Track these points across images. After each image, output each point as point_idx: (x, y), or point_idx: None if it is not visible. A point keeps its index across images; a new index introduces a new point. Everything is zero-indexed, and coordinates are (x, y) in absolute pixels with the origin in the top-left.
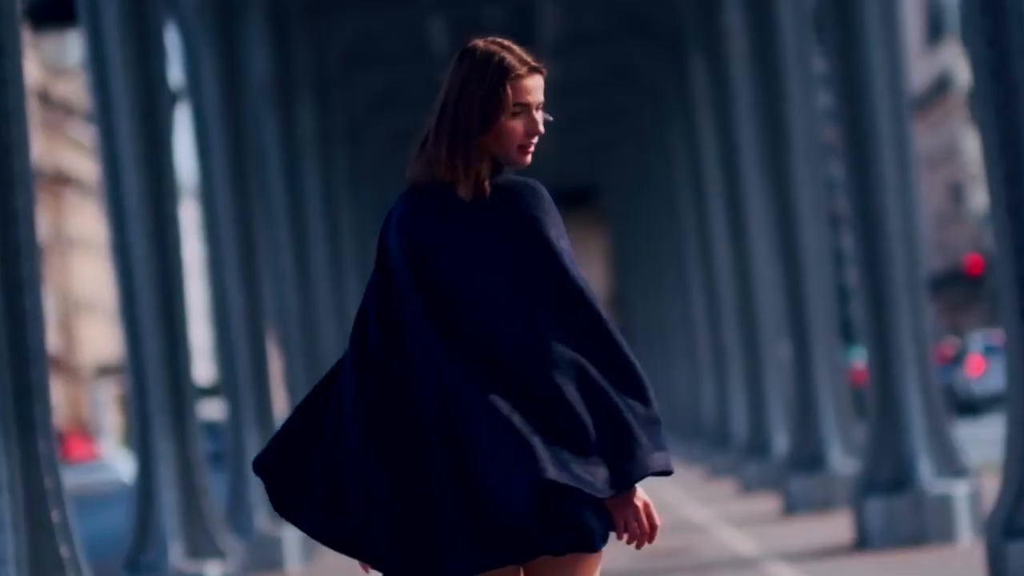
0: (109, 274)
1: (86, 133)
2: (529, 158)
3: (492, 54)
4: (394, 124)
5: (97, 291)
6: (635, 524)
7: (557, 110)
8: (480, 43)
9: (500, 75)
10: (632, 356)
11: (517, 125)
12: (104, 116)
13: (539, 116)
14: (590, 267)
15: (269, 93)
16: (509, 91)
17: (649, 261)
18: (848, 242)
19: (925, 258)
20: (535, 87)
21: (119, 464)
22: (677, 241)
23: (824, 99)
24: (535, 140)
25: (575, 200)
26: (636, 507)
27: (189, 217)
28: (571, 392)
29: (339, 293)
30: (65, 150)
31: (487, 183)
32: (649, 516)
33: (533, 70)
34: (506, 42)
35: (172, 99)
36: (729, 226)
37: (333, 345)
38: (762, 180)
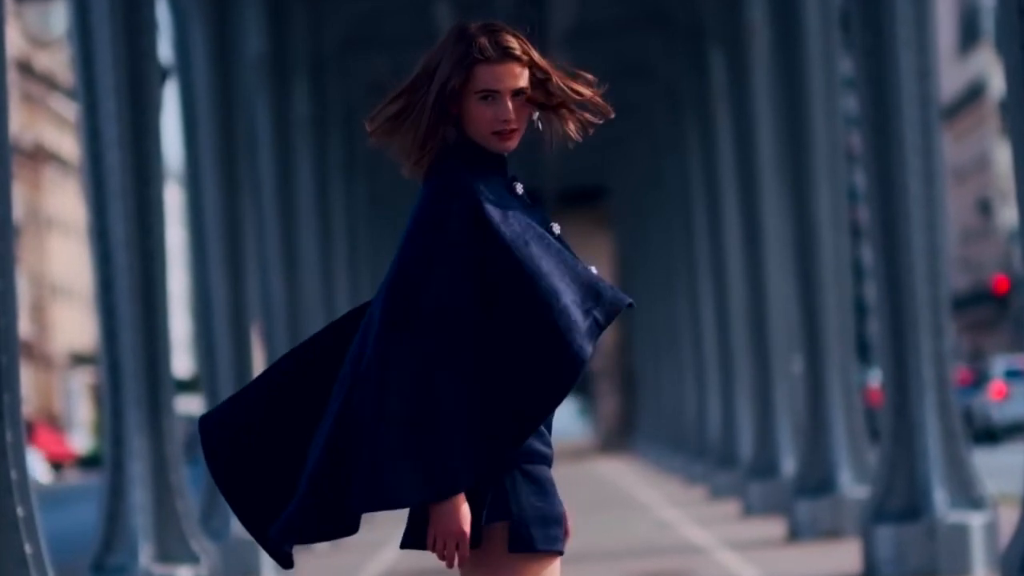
0: (87, 258)
1: (69, 108)
2: (509, 144)
3: (466, 36)
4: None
5: (73, 275)
6: (434, 542)
7: None
8: (469, 25)
9: (465, 59)
10: (393, 408)
11: (486, 111)
12: (88, 91)
13: (513, 103)
14: None
15: (263, 73)
16: (472, 75)
17: (657, 267)
18: (868, 255)
19: (949, 275)
20: (506, 74)
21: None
22: (688, 247)
23: (849, 103)
24: (511, 127)
25: (580, 199)
26: (441, 528)
27: (173, 201)
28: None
29: (328, 287)
30: (46, 125)
31: (410, 168)
32: (459, 545)
33: (506, 57)
34: (496, 26)
35: (161, 76)
36: (743, 233)
37: None
38: (780, 186)
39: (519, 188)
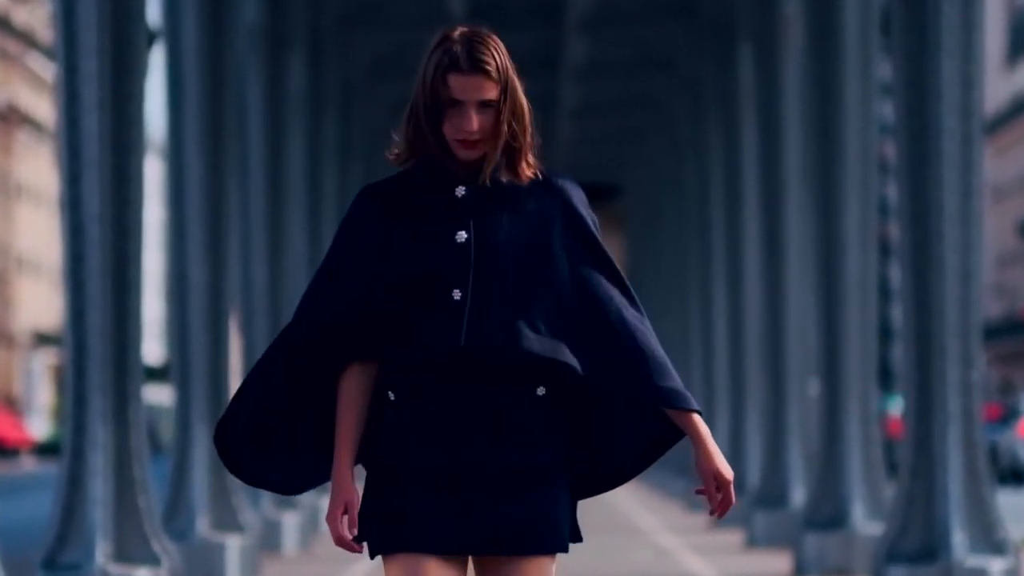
0: (57, 230)
1: (47, 67)
2: (467, 152)
3: (443, 44)
4: (395, 92)
5: (42, 248)
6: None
7: (581, 96)
8: (454, 30)
9: (438, 67)
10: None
11: (452, 118)
12: (68, 50)
13: (479, 115)
14: None
15: (257, 44)
16: (443, 84)
17: (670, 273)
18: (896, 274)
19: (981, 301)
20: (472, 85)
21: None
22: (703, 254)
23: (884, 110)
24: (472, 137)
25: (593, 197)
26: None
27: (153, 175)
28: None
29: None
30: (21, 84)
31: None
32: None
33: (474, 68)
34: (479, 36)
35: (148, 39)
36: (764, 243)
37: None
38: (806, 194)
39: (460, 191)
